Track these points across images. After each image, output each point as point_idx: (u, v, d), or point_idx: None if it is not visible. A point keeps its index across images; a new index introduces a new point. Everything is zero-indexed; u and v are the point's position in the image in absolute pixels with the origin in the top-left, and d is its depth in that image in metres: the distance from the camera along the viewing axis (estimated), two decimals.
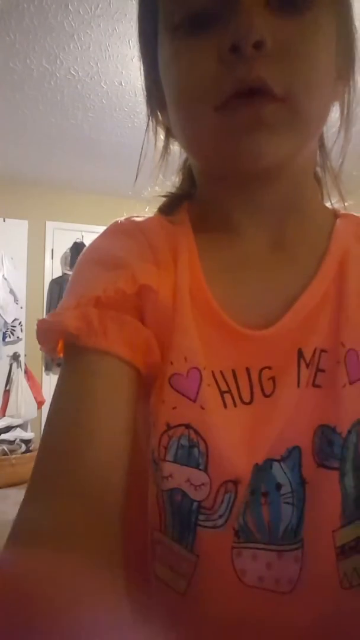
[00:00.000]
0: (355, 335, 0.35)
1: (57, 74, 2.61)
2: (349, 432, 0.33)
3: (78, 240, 3.97)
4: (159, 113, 0.40)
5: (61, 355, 0.35)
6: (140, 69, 0.40)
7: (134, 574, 0.33)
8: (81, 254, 0.40)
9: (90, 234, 4.06)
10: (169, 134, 0.41)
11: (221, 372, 0.35)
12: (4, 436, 3.42)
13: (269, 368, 0.35)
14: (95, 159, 3.47)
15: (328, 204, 0.44)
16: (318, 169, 0.41)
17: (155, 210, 0.43)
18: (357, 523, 0.33)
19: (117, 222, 0.41)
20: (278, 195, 0.37)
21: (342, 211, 0.42)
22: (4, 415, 3.55)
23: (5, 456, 3.43)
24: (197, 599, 0.34)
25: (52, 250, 4.13)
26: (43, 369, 3.91)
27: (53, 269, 4.11)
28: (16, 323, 3.84)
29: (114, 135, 3.20)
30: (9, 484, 3.38)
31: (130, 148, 3.15)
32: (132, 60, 2.49)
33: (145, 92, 0.40)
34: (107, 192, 3.84)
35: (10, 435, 3.44)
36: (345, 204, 0.43)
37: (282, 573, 0.33)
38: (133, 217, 0.42)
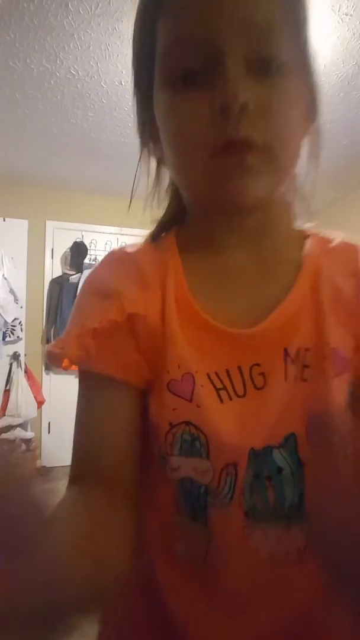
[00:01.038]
0: (335, 336, 0.42)
1: (57, 74, 2.61)
2: (337, 418, 0.40)
3: (78, 240, 3.97)
4: (151, 145, 0.46)
5: (67, 369, 0.41)
6: (133, 104, 0.46)
7: (156, 552, 0.41)
8: (84, 282, 0.47)
9: (90, 234, 4.06)
10: (160, 162, 0.47)
11: (216, 373, 0.41)
12: (4, 436, 3.42)
13: (258, 365, 0.41)
14: (95, 158, 3.47)
15: (301, 223, 0.51)
16: (292, 196, 0.48)
17: (153, 222, 0.51)
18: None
19: (112, 251, 0.48)
20: (257, 220, 0.44)
21: (309, 231, 0.50)
22: (4, 415, 3.55)
23: None
24: (214, 569, 0.39)
25: (52, 250, 4.13)
26: (43, 368, 3.91)
27: (53, 268, 4.10)
28: (16, 322, 3.84)
29: (114, 135, 3.20)
30: None
31: (130, 148, 3.15)
32: None
33: (138, 126, 0.46)
34: (107, 192, 3.84)
35: (10, 434, 3.44)
36: (312, 224, 0.51)
37: (291, 545, 0.39)
38: (126, 246, 0.48)
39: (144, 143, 0.47)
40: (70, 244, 4.00)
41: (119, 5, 2.12)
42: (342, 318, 0.43)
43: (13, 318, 3.82)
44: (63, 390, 3.70)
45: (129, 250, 0.47)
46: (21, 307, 3.89)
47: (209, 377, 0.40)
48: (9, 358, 3.73)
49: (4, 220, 3.99)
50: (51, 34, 2.30)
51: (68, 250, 4.00)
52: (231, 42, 0.36)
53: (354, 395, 0.42)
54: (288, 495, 0.39)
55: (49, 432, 3.89)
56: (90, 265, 3.98)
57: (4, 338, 3.77)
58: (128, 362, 0.41)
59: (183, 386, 0.40)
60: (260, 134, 0.37)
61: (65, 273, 3.97)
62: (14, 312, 3.83)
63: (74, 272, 3.95)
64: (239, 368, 0.41)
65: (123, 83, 2.70)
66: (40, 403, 3.69)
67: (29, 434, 3.53)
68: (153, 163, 0.48)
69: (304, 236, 0.48)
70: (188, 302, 0.42)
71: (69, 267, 3.97)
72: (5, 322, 3.78)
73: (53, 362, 0.42)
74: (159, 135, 0.43)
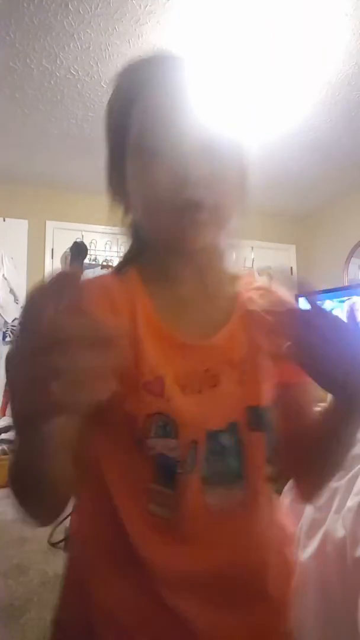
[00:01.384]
0: (262, 351, 0.57)
1: (57, 74, 2.61)
2: (268, 408, 0.55)
3: (78, 240, 3.97)
4: (119, 196, 0.58)
5: None
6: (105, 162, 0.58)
7: (129, 510, 0.52)
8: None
9: (90, 234, 4.06)
10: (126, 208, 0.59)
11: (179, 375, 0.53)
12: (3, 436, 3.42)
13: (210, 369, 0.54)
14: (95, 158, 3.46)
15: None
16: (227, 243, 0.61)
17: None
18: (274, 461, 0.56)
19: (93, 281, 0.57)
20: (203, 259, 0.58)
21: (238, 272, 0.65)
22: (4, 415, 3.55)
23: (6, 456, 3.43)
24: (179, 521, 0.52)
25: (52, 249, 4.13)
26: None
27: (53, 268, 4.11)
28: (16, 322, 3.84)
29: None
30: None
31: None
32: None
33: (108, 179, 0.58)
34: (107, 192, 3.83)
35: (10, 435, 3.44)
36: (241, 268, 0.66)
37: (234, 501, 0.53)
38: (97, 277, 0.59)
39: (113, 192, 0.59)
40: (70, 244, 4.00)
41: (119, 5, 2.12)
42: (264, 339, 0.57)
43: (13, 318, 3.82)
44: None
45: (101, 281, 0.58)
46: (21, 307, 3.89)
47: (175, 378, 0.52)
48: None
49: (4, 220, 3.99)
50: (51, 34, 2.30)
51: (68, 250, 3.99)
52: (188, 129, 0.50)
53: (282, 395, 0.58)
54: (231, 465, 0.53)
55: None
56: (90, 265, 3.99)
57: (4, 338, 3.77)
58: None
59: (155, 385, 0.51)
60: (210, 199, 0.51)
61: None
62: (14, 312, 3.83)
63: None
64: (196, 371, 0.54)
65: None
66: None
67: None
68: (120, 209, 0.60)
69: (235, 275, 0.64)
70: (155, 322, 0.54)
71: (69, 267, 3.97)
72: (5, 322, 3.78)
73: None
74: (126, 190, 0.56)
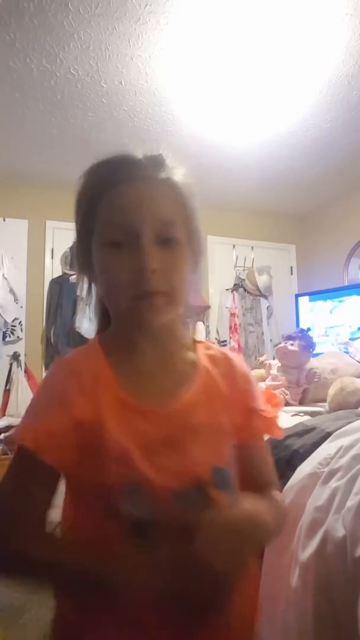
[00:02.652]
0: (221, 417, 0.65)
1: (57, 73, 2.61)
2: (226, 466, 0.63)
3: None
4: (87, 274, 0.67)
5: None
6: (79, 219, 0.66)
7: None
8: (41, 384, 0.68)
9: None
10: (90, 280, 0.68)
11: (144, 443, 0.59)
12: (3, 436, 3.42)
13: (172, 434, 0.61)
14: (95, 158, 3.46)
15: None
16: (182, 316, 0.69)
17: None
18: None
19: (59, 362, 0.68)
20: (161, 333, 0.65)
21: (194, 339, 0.72)
22: (4, 415, 3.55)
23: (6, 456, 3.43)
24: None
25: (52, 249, 4.13)
26: (43, 368, 3.91)
27: (53, 268, 4.11)
28: (16, 323, 3.84)
29: (114, 135, 3.20)
30: None
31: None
32: (132, 59, 2.49)
33: (76, 259, 0.68)
34: None
35: (10, 434, 3.44)
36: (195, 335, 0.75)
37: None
38: (68, 355, 0.67)
39: (79, 269, 0.68)
40: (70, 244, 3.99)
41: (119, 5, 2.12)
42: (223, 406, 0.65)
43: (13, 318, 3.82)
44: None
45: (70, 359, 0.67)
46: (21, 307, 3.89)
47: (139, 446, 0.59)
48: (9, 358, 3.73)
49: (4, 220, 3.99)
50: (51, 34, 2.30)
51: (68, 250, 3.99)
52: (145, 228, 0.59)
53: (240, 454, 0.66)
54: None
55: None
56: None
57: (4, 338, 3.77)
58: (67, 456, 0.58)
59: (122, 459, 0.58)
60: (164, 286, 0.59)
61: (65, 273, 3.97)
62: (14, 312, 3.83)
63: (74, 272, 3.95)
64: (160, 437, 0.60)
65: (123, 83, 2.70)
66: None
67: None
68: (87, 283, 0.69)
69: (193, 342, 0.71)
70: (117, 392, 0.61)
71: (69, 267, 3.96)
72: (5, 322, 3.78)
73: (11, 445, 0.63)
74: (93, 269, 0.64)
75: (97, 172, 0.66)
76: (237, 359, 0.72)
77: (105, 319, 0.70)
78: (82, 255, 0.66)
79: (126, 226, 0.59)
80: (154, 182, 0.62)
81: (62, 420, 0.58)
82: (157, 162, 0.64)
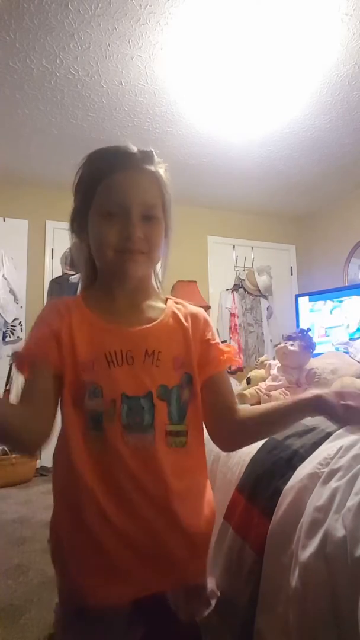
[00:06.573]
0: (177, 349, 0.83)
1: (57, 74, 2.61)
2: (173, 387, 0.80)
3: None
4: (81, 235, 0.84)
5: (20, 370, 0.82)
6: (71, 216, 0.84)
7: (75, 448, 0.76)
8: (39, 316, 0.82)
9: None
10: (85, 244, 0.84)
11: (106, 353, 0.78)
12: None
13: (130, 351, 0.79)
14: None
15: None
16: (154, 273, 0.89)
17: None
18: (176, 423, 0.80)
19: (50, 301, 0.88)
20: (136, 284, 0.83)
21: (167, 297, 0.90)
22: None
23: (6, 456, 3.43)
24: (107, 455, 0.76)
25: (52, 249, 4.13)
26: None
27: (53, 268, 4.11)
28: (16, 323, 3.84)
29: (114, 135, 3.20)
30: (9, 484, 3.39)
31: None
32: (132, 59, 2.49)
33: (72, 224, 0.84)
34: None
35: None
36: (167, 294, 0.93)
37: (146, 442, 0.77)
38: (58, 300, 0.88)
39: (78, 233, 0.84)
40: (70, 243, 3.99)
41: (119, 5, 2.12)
42: (184, 342, 0.84)
43: (13, 318, 3.82)
44: None
45: (55, 301, 0.86)
46: (21, 307, 3.89)
47: (103, 355, 0.77)
48: (9, 358, 3.73)
49: (4, 220, 3.99)
50: (51, 34, 2.30)
51: (68, 250, 3.99)
52: (135, 207, 0.77)
53: (208, 384, 0.84)
54: (146, 419, 0.77)
55: None
56: None
57: (4, 338, 3.77)
58: (50, 358, 0.77)
59: (88, 363, 0.77)
60: (145, 247, 0.78)
61: (65, 273, 3.97)
62: (14, 312, 3.83)
63: (74, 272, 3.94)
64: (121, 351, 0.78)
65: (123, 83, 2.70)
66: None
67: None
68: (79, 243, 0.86)
69: (165, 298, 0.89)
70: (90, 318, 0.80)
71: (69, 267, 3.96)
72: (5, 322, 3.78)
73: (18, 361, 0.80)
74: (87, 232, 0.81)
75: (99, 158, 0.82)
76: (201, 310, 0.91)
77: (89, 278, 0.87)
78: (78, 222, 0.83)
79: (120, 203, 0.77)
80: (144, 172, 0.79)
81: (44, 332, 0.78)
82: (148, 156, 0.81)
